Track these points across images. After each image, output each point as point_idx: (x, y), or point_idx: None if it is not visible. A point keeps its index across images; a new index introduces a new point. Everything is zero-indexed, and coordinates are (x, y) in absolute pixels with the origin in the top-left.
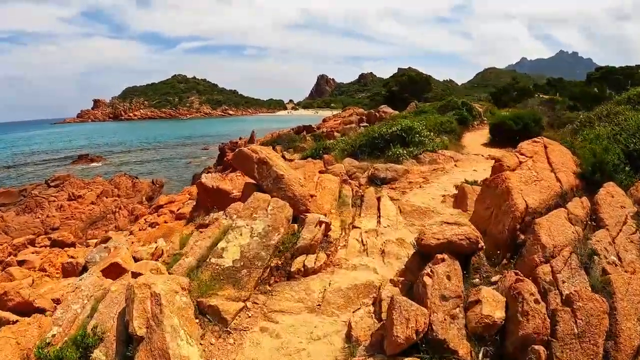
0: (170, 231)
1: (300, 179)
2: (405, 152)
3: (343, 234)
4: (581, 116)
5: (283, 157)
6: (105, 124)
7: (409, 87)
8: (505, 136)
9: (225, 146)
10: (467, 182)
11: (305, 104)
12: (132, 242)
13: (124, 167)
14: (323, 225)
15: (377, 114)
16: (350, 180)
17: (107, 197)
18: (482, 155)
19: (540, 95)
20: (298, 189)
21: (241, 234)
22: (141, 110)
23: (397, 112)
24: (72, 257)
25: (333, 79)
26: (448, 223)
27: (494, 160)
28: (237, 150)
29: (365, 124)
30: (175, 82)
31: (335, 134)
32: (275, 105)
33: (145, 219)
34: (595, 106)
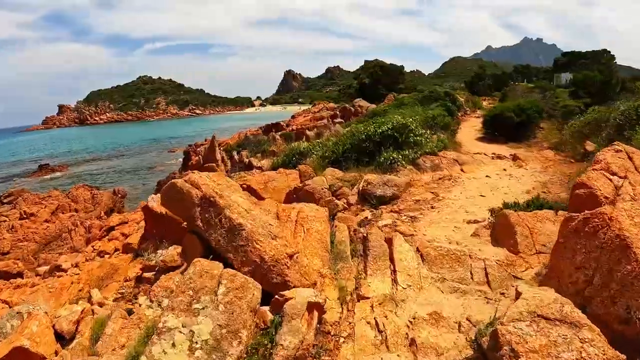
0: (113, 270)
1: (271, 224)
2: (400, 156)
3: (345, 312)
4: (618, 109)
5: (250, 164)
6: (70, 130)
7: (380, 78)
8: (503, 129)
9: (190, 149)
10: (506, 205)
11: (273, 100)
12: (63, 289)
13: (86, 177)
14: (315, 313)
15: (352, 108)
16: (336, 201)
17: (63, 213)
18: (486, 155)
19: (520, 83)
20: (269, 248)
21: (173, 345)
22: (107, 114)
23: (373, 106)
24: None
25: (300, 74)
26: (548, 319)
27: (506, 160)
28: (168, 183)
29: (339, 119)
30: (140, 83)
31: (307, 132)
32: (243, 102)
33: (93, 246)
34: (605, 94)
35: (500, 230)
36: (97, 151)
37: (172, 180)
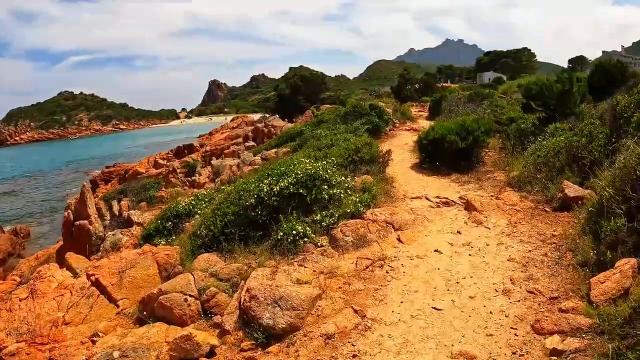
0: None
1: None
2: (307, 228)
3: None
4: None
5: (129, 220)
6: None
7: (301, 88)
8: (444, 156)
9: (97, 178)
10: None
11: (199, 112)
12: None
13: None
14: None
15: (265, 128)
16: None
17: None
18: (429, 199)
19: (451, 87)
20: None
21: None
22: (28, 133)
23: (289, 125)
24: None
25: (225, 84)
26: None
27: (456, 208)
28: None
29: (251, 142)
30: (62, 99)
31: (214, 162)
32: (168, 115)
33: None
34: (565, 107)
35: None
36: (7, 177)
37: None
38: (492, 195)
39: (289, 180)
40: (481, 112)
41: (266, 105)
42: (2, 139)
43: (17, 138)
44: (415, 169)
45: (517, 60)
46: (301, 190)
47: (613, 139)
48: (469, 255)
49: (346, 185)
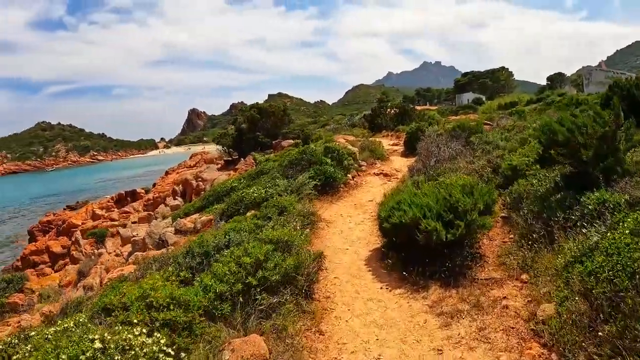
0: None
1: None
2: None
3: None
4: None
5: None
6: None
7: (260, 122)
8: (416, 253)
9: (35, 229)
10: None
11: (178, 141)
12: None
13: None
14: None
15: (194, 181)
16: None
17: None
18: None
19: (431, 113)
20: None
21: None
22: (4, 165)
23: (222, 178)
24: None
25: (204, 112)
26: None
27: None
28: None
29: (178, 200)
30: (39, 130)
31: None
32: (147, 145)
33: None
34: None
35: None
36: None
37: None
38: None
39: None
40: (469, 158)
41: (222, 142)
42: None
43: None
44: (372, 265)
45: (495, 80)
46: None
47: None
48: None
49: None
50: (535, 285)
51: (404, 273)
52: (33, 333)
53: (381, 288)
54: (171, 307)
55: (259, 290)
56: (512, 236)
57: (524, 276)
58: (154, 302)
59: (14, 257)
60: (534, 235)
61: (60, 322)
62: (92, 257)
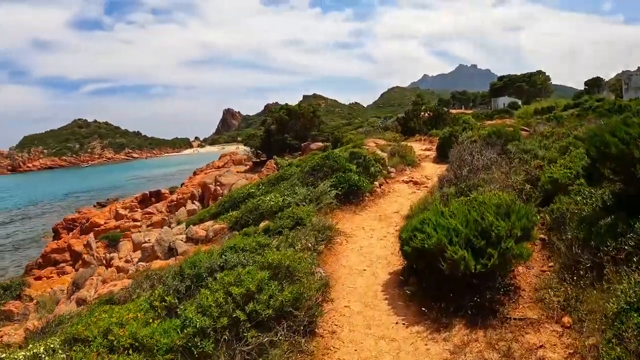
0: None
1: None
2: None
3: None
4: None
5: None
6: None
7: (289, 124)
8: (441, 282)
9: (59, 226)
10: None
11: (212, 141)
12: None
13: None
14: None
15: (212, 185)
16: None
17: None
18: None
19: (464, 117)
20: None
21: None
22: (40, 160)
23: (241, 183)
24: None
25: (239, 112)
26: None
27: None
28: None
29: (195, 204)
30: (75, 127)
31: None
32: (181, 144)
33: None
34: None
35: None
36: (8, 208)
37: None
38: None
39: None
40: (505, 168)
41: (250, 144)
42: (16, 165)
43: (30, 165)
44: (390, 293)
45: (532, 84)
46: None
47: None
48: None
49: None
50: (579, 332)
51: (423, 304)
52: (3, 356)
53: (397, 323)
54: (130, 352)
55: (247, 326)
56: (552, 264)
57: (566, 319)
58: (115, 342)
59: (40, 253)
60: (580, 267)
61: (31, 346)
62: (92, 265)
